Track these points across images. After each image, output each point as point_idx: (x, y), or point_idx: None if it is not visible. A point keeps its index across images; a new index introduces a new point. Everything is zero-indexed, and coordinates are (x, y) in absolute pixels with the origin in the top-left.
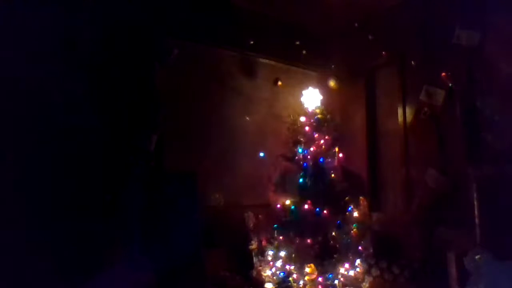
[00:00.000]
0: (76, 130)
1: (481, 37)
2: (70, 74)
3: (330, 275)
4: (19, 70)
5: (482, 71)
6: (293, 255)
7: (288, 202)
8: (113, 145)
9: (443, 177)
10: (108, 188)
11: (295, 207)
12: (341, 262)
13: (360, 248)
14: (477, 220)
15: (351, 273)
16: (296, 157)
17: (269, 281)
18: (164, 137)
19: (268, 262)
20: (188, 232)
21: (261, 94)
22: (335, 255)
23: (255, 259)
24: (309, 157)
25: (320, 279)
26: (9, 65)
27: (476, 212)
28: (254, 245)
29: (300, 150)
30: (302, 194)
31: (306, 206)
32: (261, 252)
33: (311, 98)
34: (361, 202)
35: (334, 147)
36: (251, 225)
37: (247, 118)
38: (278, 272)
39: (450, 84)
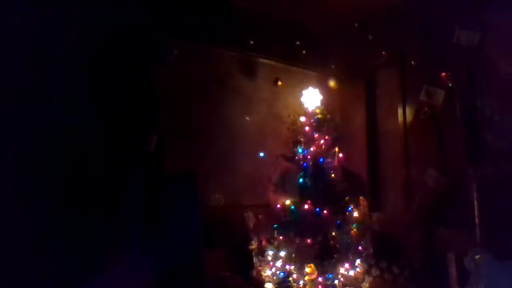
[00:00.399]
0: (76, 130)
1: (481, 37)
2: (70, 74)
3: (330, 275)
4: (19, 70)
5: (482, 71)
6: (293, 255)
7: (288, 202)
8: (113, 145)
9: (443, 177)
10: (108, 188)
11: (295, 207)
12: (341, 262)
13: (360, 248)
14: (477, 220)
15: (351, 273)
16: (296, 157)
17: (269, 281)
18: (164, 137)
19: (268, 262)
20: (188, 232)
21: (261, 94)
22: (335, 255)
23: (255, 259)
24: (309, 157)
25: (320, 279)
26: (9, 65)
27: (476, 212)
28: (254, 245)
29: (300, 150)
30: (302, 194)
31: (306, 206)
32: (261, 252)
33: (311, 98)
34: (361, 202)
35: (334, 147)
36: (251, 225)
37: (247, 118)
38: (278, 272)
39: (450, 84)
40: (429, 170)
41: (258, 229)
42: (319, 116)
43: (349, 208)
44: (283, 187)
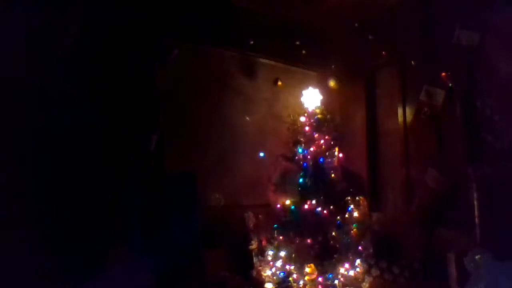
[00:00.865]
0: (76, 130)
1: (481, 37)
2: (70, 74)
3: (330, 275)
4: (19, 70)
5: (482, 71)
6: (293, 255)
7: (288, 202)
8: (113, 145)
9: (443, 177)
10: (108, 188)
11: (295, 207)
12: (341, 262)
13: (360, 248)
14: (477, 220)
15: (351, 273)
16: (296, 157)
17: (269, 281)
18: (164, 137)
19: (268, 262)
20: (188, 232)
21: (261, 94)
22: (335, 255)
23: (255, 259)
24: (309, 157)
25: (320, 279)
26: (9, 65)
27: (476, 212)
28: (254, 245)
29: (300, 150)
30: (302, 194)
31: (306, 206)
32: (261, 252)
33: (311, 98)
34: (361, 202)
35: (334, 147)
36: (251, 225)
37: (247, 118)
38: (278, 272)
39: (450, 84)
40: (429, 170)
41: (258, 229)
42: (319, 116)
43: (349, 208)
44: (283, 187)
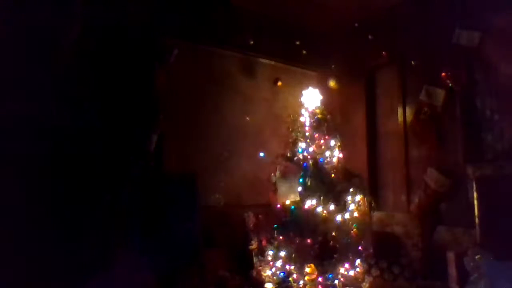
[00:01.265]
0: (76, 130)
1: (481, 37)
2: (70, 74)
3: (330, 275)
4: (19, 70)
5: (482, 71)
6: (293, 255)
7: (288, 202)
8: (113, 145)
9: (443, 177)
10: (108, 188)
11: (295, 207)
12: (341, 262)
13: (360, 248)
14: (477, 220)
15: (351, 273)
16: (296, 157)
17: (269, 281)
18: (164, 137)
19: (268, 262)
20: (188, 232)
21: (261, 94)
22: (335, 255)
23: (255, 259)
24: (309, 157)
25: (320, 279)
26: (8, 65)
27: (476, 212)
28: (254, 245)
29: (300, 150)
30: (302, 194)
31: (306, 206)
32: (261, 252)
33: (311, 98)
34: (361, 202)
35: (334, 147)
36: (251, 225)
37: (247, 118)
38: (278, 272)
39: (450, 84)
40: (429, 170)
41: (258, 229)
42: (319, 116)
43: (349, 208)
44: (283, 187)
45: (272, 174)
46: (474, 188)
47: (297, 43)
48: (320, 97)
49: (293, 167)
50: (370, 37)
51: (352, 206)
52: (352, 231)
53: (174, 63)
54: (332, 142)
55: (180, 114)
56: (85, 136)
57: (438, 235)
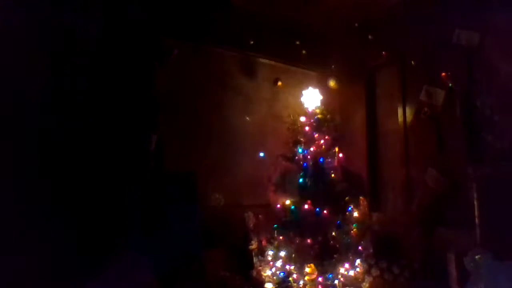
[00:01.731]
0: (76, 130)
1: (481, 37)
2: (70, 74)
3: (330, 275)
4: (19, 70)
5: (482, 71)
6: (293, 255)
7: (288, 202)
8: (113, 145)
9: (443, 177)
10: (108, 188)
11: (295, 207)
12: (341, 262)
13: (360, 248)
14: (477, 220)
15: (351, 273)
16: (296, 157)
17: (269, 281)
18: (164, 137)
19: (268, 262)
20: (188, 232)
21: (261, 94)
22: (335, 255)
23: (255, 259)
24: (309, 157)
25: (320, 279)
26: (8, 65)
27: (476, 212)
28: (254, 245)
29: (300, 150)
30: (302, 194)
31: (306, 206)
32: (261, 252)
33: (311, 98)
34: (361, 202)
35: (334, 147)
36: (251, 225)
37: (247, 118)
38: (278, 272)
39: (450, 84)
40: (429, 170)
41: (258, 229)
42: (319, 116)
43: (349, 208)
44: (283, 187)
45: (272, 174)
46: (474, 188)
47: (297, 43)
48: (320, 97)
49: (293, 167)
50: (370, 37)
51: (352, 206)
52: (352, 231)
53: (174, 63)
54: (332, 142)
55: (180, 114)
56: (85, 136)
57: (438, 235)
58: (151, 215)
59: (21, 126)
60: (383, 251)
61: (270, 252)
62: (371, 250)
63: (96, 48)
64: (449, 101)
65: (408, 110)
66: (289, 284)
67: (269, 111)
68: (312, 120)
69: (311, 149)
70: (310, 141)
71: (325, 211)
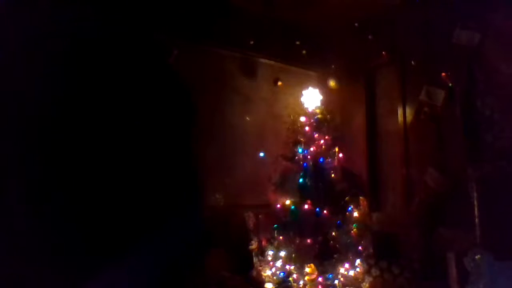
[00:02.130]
0: (76, 130)
1: (481, 37)
2: (70, 74)
3: (330, 275)
4: (18, 70)
5: (482, 71)
6: (293, 255)
7: (288, 202)
8: (113, 145)
9: (443, 177)
10: (110, 188)
11: (295, 207)
12: (341, 262)
13: (360, 248)
14: (477, 220)
15: (351, 273)
16: (296, 157)
17: (269, 281)
18: None
19: (268, 262)
20: (188, 232)
21: (261, 94)
22: (335, 255)
23: (255, 259)
24: (309, 157)
25: (320, 279)
26: (8, 65)
27: (476, 212)
28: (254, 245)
29: (300, 150)
30: (302, 194)
31: (306, 206)
32: (261, 252)
33: (311, 98)
34: (361, 202)
35: (334, 147)
36: (251, 225)
37: (247, 118)
38: (278, 272)
39: (450, 84)
40: (429, 170)
41: (258, 229)
42: (319, 116)
43: (349, 208)
44: (283, 187)
45: (272, 174)
46: (474, 188)
47: (297, 43)
48: (320, 97)
49: (293, 167)
50: (370, 37)
51: (352, 206)
52: (352, 231)
53: (174, 63)
54: (332, 142)
55: None
56: (84, 138)
57: (438, 235)
58: (151, 215)
59: (21, 125)
60: (383, 251)
61: (270, 252)
62: (371, 250)
63: (94, 49)
64: (449, 101)
65: (408, 110)
66: (289, 284)
67: (269, 111)
68: (312, 120)
69: (311, 149)
70: (310, 141)
71: (325, 211)
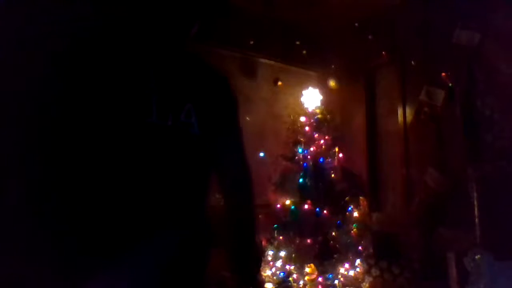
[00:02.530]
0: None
1: (481, 37)
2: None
3: (330, 275)
4: (18, 70)
5: (482, 71)
6: (293, 255)
7: (288, 202)
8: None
9: (443, 177)
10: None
11: (295, 207)
12: (341, 262)
13: (360, 248)
14: (477, 220)
15: (351, 273)
16: (296, 157)
17: (269, 281)
18: None
19: (268, 262)
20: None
21: (261, 94)
22: (335, 255)
23: None
24: (309, 157)
25: (320, 279)
26: (7, 65)
27: (476, 212)
28: None
29: (300, 150)
30: (302, 194)
31: (306, 206)
32: (261, 252)
33: (311, 98)
34: (361, 202)
35: (334, 147)
36: None
37: (247, 118)
38: (278, 272)
39: (450, 84)
40: (429, 170)
41: (258, 229)
42: (319, 116)
43: (349, 208)
44: (283, 187)
45: (272, 174)
46: (474, 188)
47: (297, 43)
48: (320, 97)
49: (293, 167)
50: (370, 37)
51: (352, 206)
52: (352, 231)
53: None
54: (332, 142)
55: None
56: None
57: (438, 235)
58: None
59: (20, 126)
60: (383, 251)
61: (270, 252)
62: (371, 250)
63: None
64: (449, 101)
65: (408, 110)
66: (289, 284)
67: (269, 111)
68: (312, 120)
69: (311, 149)
70: (310, 141)
71: (325, 211)
